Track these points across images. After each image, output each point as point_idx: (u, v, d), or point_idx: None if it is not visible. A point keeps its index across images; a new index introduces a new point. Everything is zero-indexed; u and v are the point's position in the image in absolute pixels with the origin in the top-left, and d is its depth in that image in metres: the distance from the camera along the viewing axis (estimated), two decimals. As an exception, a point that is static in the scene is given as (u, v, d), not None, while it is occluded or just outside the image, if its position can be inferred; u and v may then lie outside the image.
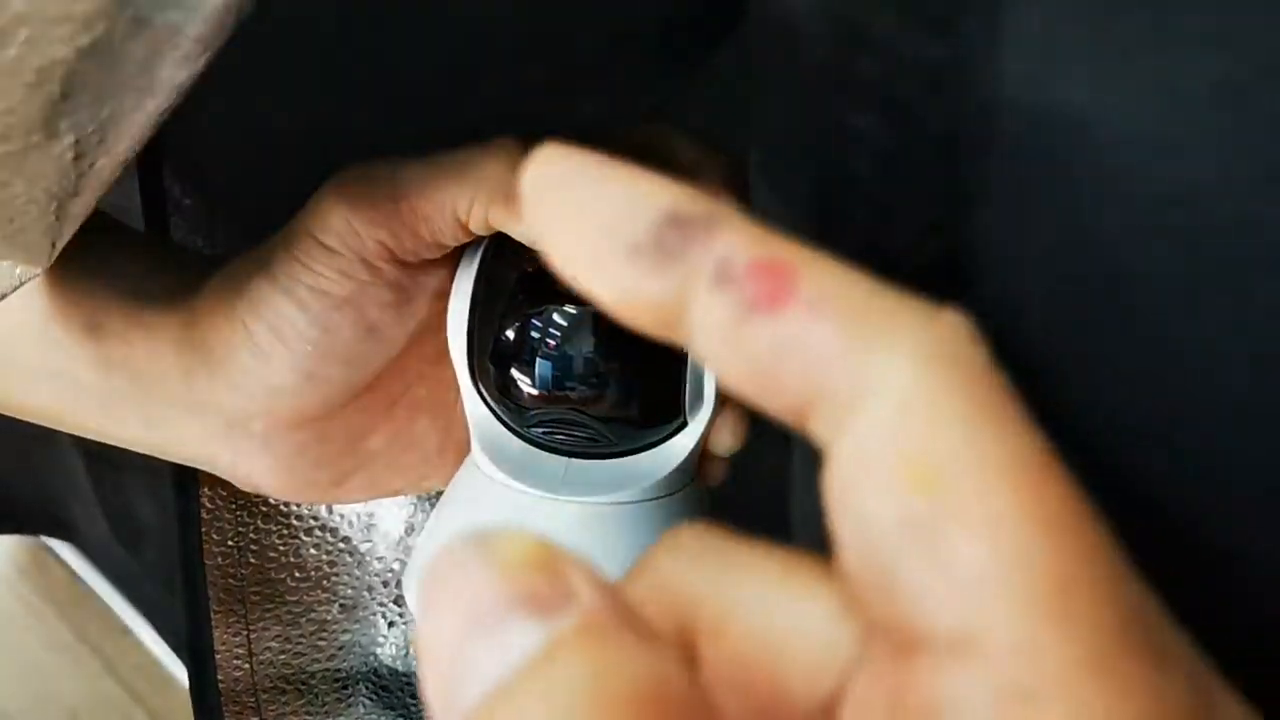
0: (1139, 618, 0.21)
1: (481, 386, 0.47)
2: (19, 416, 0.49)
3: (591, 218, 0.23)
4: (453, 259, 0.46)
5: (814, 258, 0.22)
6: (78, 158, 0.36)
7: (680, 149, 0.46)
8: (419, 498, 0.57)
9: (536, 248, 0.44)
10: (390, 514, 0.57)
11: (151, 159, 0.54)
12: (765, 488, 0.32)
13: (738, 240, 0.22)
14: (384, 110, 0.59)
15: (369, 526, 0.57)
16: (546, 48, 0.61)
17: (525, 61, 0.61)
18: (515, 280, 0.46)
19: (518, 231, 0.43)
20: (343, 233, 0.44)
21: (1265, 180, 0.21)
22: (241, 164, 0.59)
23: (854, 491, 0.21)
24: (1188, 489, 0.25)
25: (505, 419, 0.47)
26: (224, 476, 0.49)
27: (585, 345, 0.45)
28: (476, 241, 0.46)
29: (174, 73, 0.34)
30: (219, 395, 0.46)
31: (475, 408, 0.47)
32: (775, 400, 0.22)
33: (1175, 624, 0.22)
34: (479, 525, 0.47)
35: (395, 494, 0.52)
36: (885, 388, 0.21)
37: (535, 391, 0.45)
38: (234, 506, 0.56)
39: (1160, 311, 0.23)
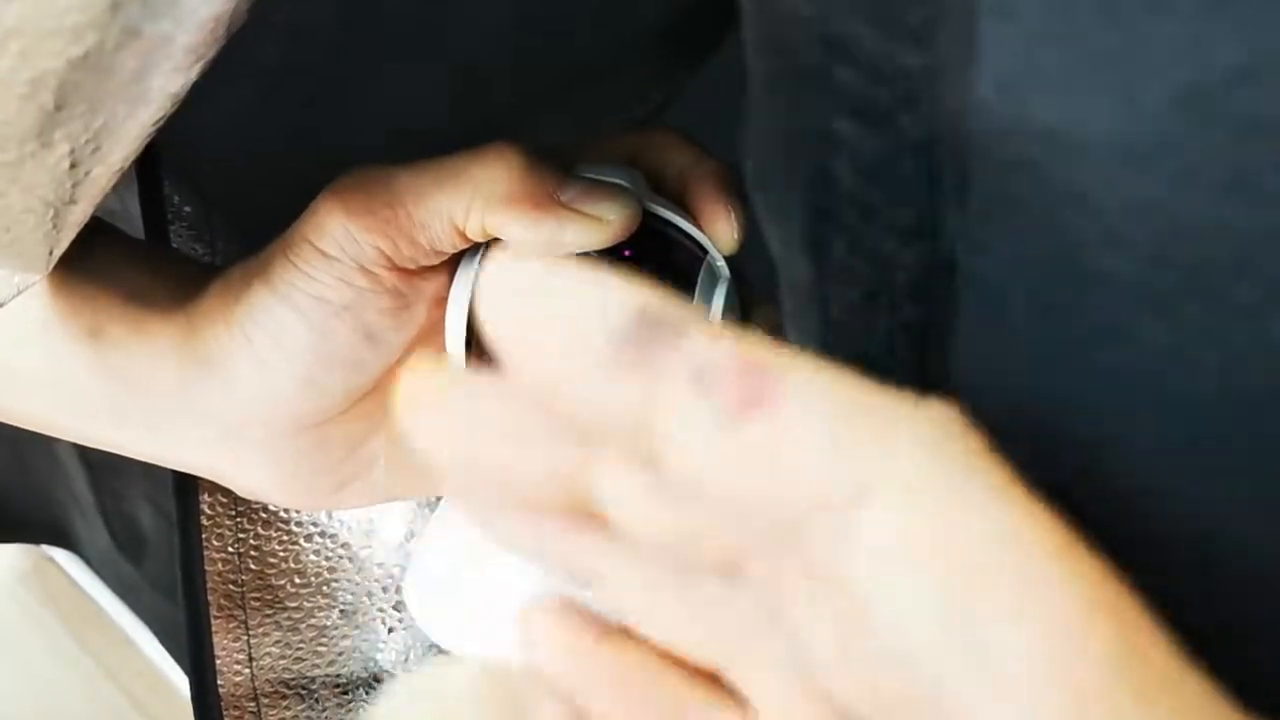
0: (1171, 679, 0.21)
1: None
2: (19, 424, 0.49)
3: (556, 323, 0.22)
4: (450, 265, 0.47)
5: (792, 358, 0.22)
6: (73, 166, 0.37)
7: (676, 152, 0.47)
8: (418, 503, 0.57)
9: (534, 252, 0.44)
10: (390, 519, 0.57)
11: (151, 167, 0.54)
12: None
13: (712, 342, 0.22)
14: (383, 117, 0.59)
15: (369, 532, 0.57)
16: (545, 53, 0.62)
17: (524, 66, 0.61)
18: None
19: (513, 237, 0.44)
20: (341, 240, 0.44)
21: (1231, 186, 0.21)
22: (241, 172, 0.59)
23: (879, 582, 0.21)
24: (1160, 484, 0.25)
25: None
26: (224, 483, 0.49)
27: None
28: (474, 247, 0.46)
29: (166, 82, 0.35)
30: (218, 401, 0.46)
31: None
32: (765, 510, 0.22)
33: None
34: (479, 531, 0.47)
35: (395, 499, 0.52)
36: (890, 480, 0.21)
37: None
38: (234, 513, 0.56)
39: (1131, 315, 0.23)
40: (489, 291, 0.23)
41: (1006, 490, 0.21)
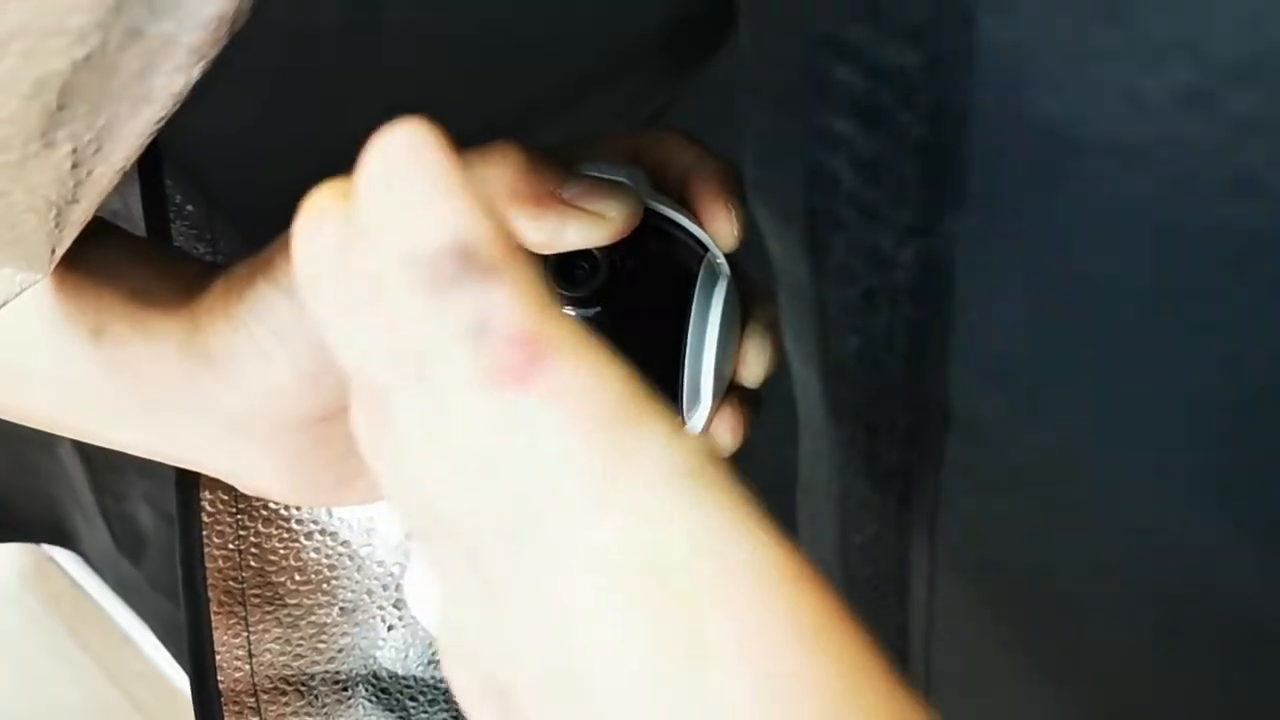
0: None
1: None
2: (22, 422, 0.49)
3: (399, 217, 0.22)
4: None
5: (578, 343, 0.21)
6: (75, 166, 0.37)
7: (678, 151, 0.47)
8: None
9: (534, 249, 0.44)
10: (390, 518, 0.58)
11: (153, 165, 0.54)
12: (766, 485, 0.33)
13: (511, 298, 0.21)
14: (386, 117, 0.59)
15: (369, 530, 0.58)
16: (547, 57, 0.62)
17: (526, 71, 0.61)
18: None
19: (519, 235, 0.44)
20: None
21: (1232, 184, 0.21)
22: (243, 172, 0.59)
23: (592, 604, 0.21)
24: (1159, 483, 0.25)
25: None
26: (227, 479, 0.49)
27: None
28: None
29: (169, 81, 0.35)
30: (222, 398, 0.46)
31: None
32: (501, 485, 0.21)
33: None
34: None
35: None
36: (624, 500, 0.21)
37: None
38: (234, 510, 0.56)
39: (1131, 315, 0.23)
40: (379, 150, 0.23)
41: (742, 522, 0.21)
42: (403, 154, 0.23)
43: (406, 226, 0.22)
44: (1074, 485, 0.27)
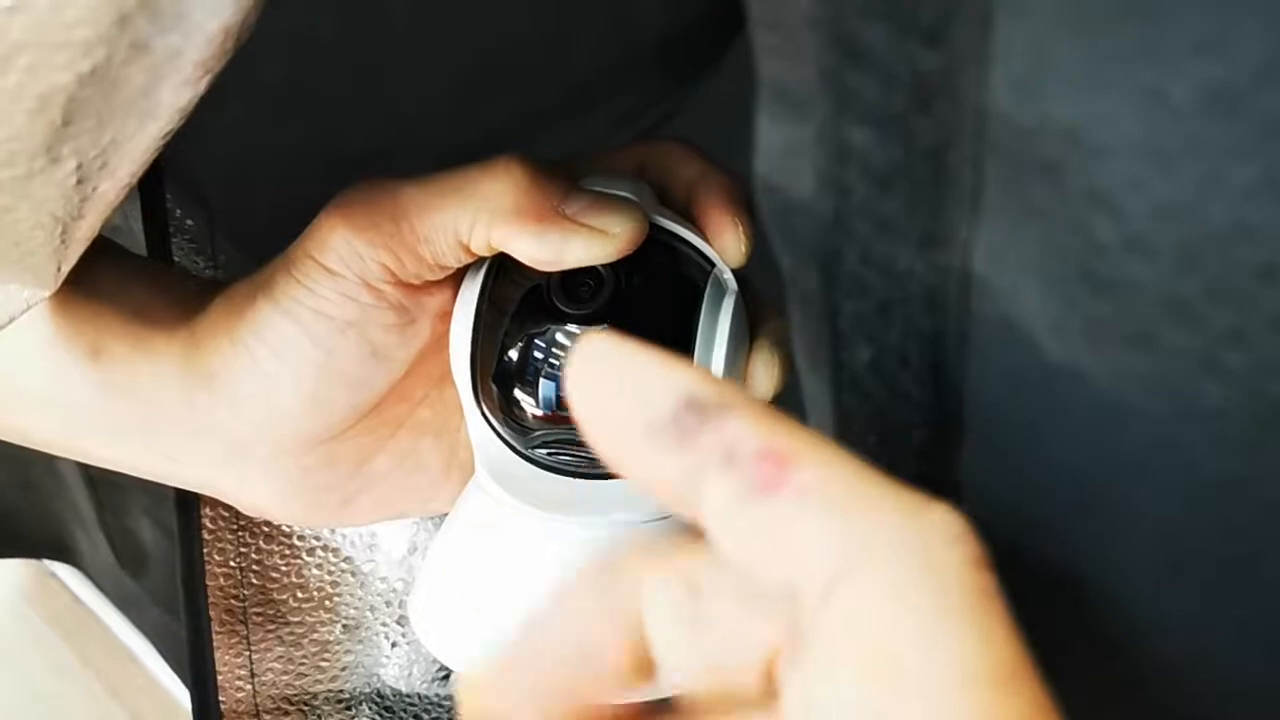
0: None
1: (485, 407, 0.46)
2: (23, 443, 0.49)
3: (620, 400, 0.26)
4: (455, 280, 0.47)
5: (814, 447, 0.25)
6: (81, 182, 0.37)
7: (684, 164, 0.46)
8: (421, 517, 0.57)
9: (539, 267, 0.44)
10: (392, 534, 0.57)
11: (153, 179, 0.54)
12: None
13: (746, 426, 0.25)
14: (388, 131, 0.59)
15: (371, 546, 0.57)
16: (548, 67, 0.62)
17: (528, 81, 0.61)
18: (518, 300, 0.46)
19: (519, 251, 0.44)
20: (344, 255, 0.44)
21: (1261, 186, 0.21)
22: (244, 186, 0.59)
23: (819, 672, 0.24)
24: (1186, 492, 0.25)
25: (509, 440, 0.46)
26: (227, 501, 0.49)
27: None
28: (479, 262, 0.46)
29: (174, 96, 0.35)
30: (223, 419, 0.46)
31: (479, 429, 0.47)
32: (770, 580, 0.25)
33: None
34: (484, 548, 0.47)
35: (400, 516, 0.52)
36: (860, 580, 0.23)
37: (539, 412, 0.45)
38: (235, 527, 0.56)
39: (1156, 323, 0.23)
40: (578, 357, 0.27)
41: (968, 616, 0.23)
42: (599, 357, 0.27)
43: (636, 405, 0.26)
44: (1097, 496, 0.26)
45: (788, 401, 0.43)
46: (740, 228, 0.45)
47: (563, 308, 0.45)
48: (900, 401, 0.29)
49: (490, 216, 0.43)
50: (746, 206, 0.46)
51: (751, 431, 0.25)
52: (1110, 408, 0.25)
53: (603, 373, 0.27)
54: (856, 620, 0.23)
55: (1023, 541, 0.28)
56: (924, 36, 0.23)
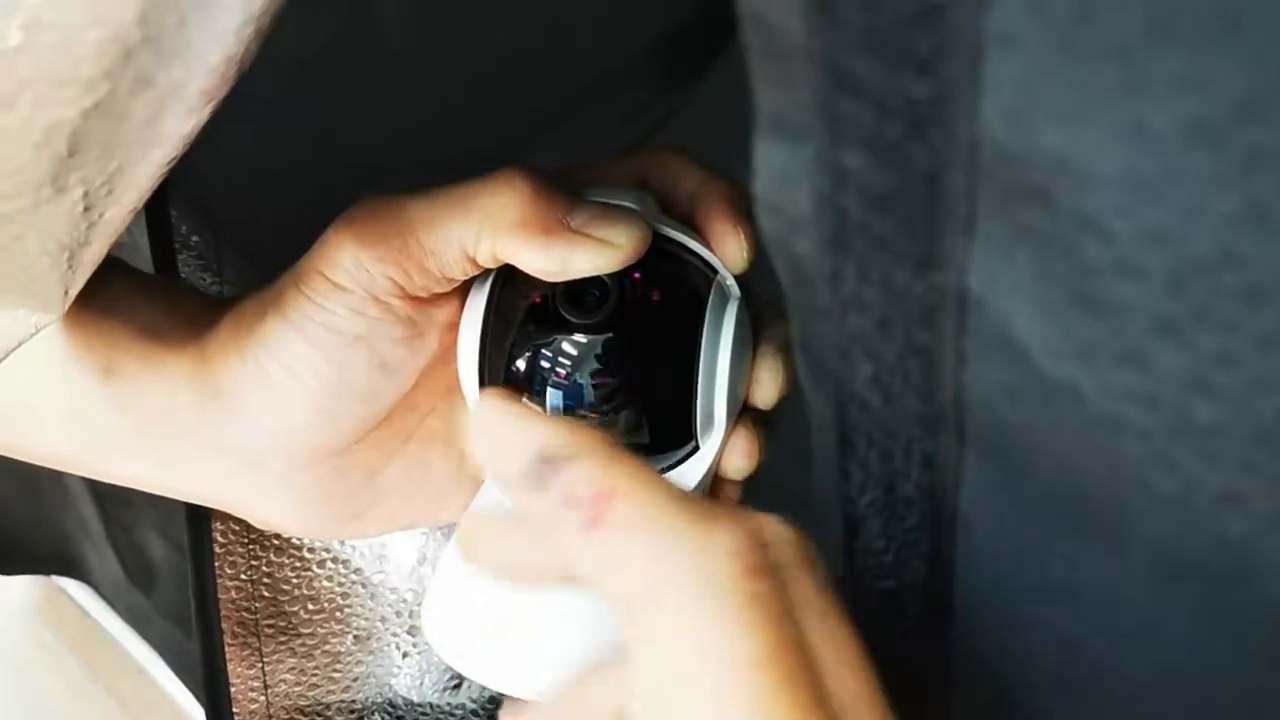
0: None
1: None
2: (36, 461, 0.50)
3: (502, 453, 0.34)
4: (462, 292, 0.47)
5: (638, 484, 0.31)
6: (87, 209, 0.37)
7: (685, 173, 0.46)
8: (431, 527, 0.58)
9: (544, 278, 0.44)
10: (402, 544, 0.58)
11: (159, 198, 0.54)
12: (781, 508, 0.33)
13: (582, 473, 0.32)
14: (389, 141, 0.60)
15: (381, 557, 0.58)
16: (546, 74, 0.62)
17: (530, 82, 0.61)
18: (525, 311, 0.46)
19: (524, 263, 0.44)
20: (352, 270, 0.44)
21: (1245, 216, 0.21)
22: (248, 201, 0.60)
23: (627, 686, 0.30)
24: (1182, 502, 0.25)
25: None
26: (239, 515, 0.49)
27: (594, 373, 0.45)
28: (484, 274, 0.46)
29: (179, 125, 0.35)
30: (234, 434, 0.46)
31: None
32: (606, 593, 0.31)
33: None
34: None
35: (411, 527, 0.52)
36: (659, 598, 0.30)
37: None
38: (246, 540, 0.56)
39: (1147, 343, 0.24)
40: (474, 420, 0.35)
41: (739, 610, 0.29)
42: (491, 413, 0.35)
43: (507, 458, 0.34)
44: (1094, 509, 0.27)
45: (791, 416, 0.43)
46: (742, 234, 0.45)
47: (569, 318, 0.46)
48: (901, 415, 0.30)
49: (495, 229, 0.43)
50: (748, 213, 0.46)
51: (586, 477, 0.32)
52: (1106, 424, 0.25)
53: (494, 428, 0.34)
54: (653, 634, 0.30)
55: (1024, 550, 0.29)
56: (917, 67, 0.24)
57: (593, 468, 0.32)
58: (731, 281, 0.46)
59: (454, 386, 0.48)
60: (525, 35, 0.61)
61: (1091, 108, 0.22)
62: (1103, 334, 0.24)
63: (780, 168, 0.28)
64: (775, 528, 0.31)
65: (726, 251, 0.45)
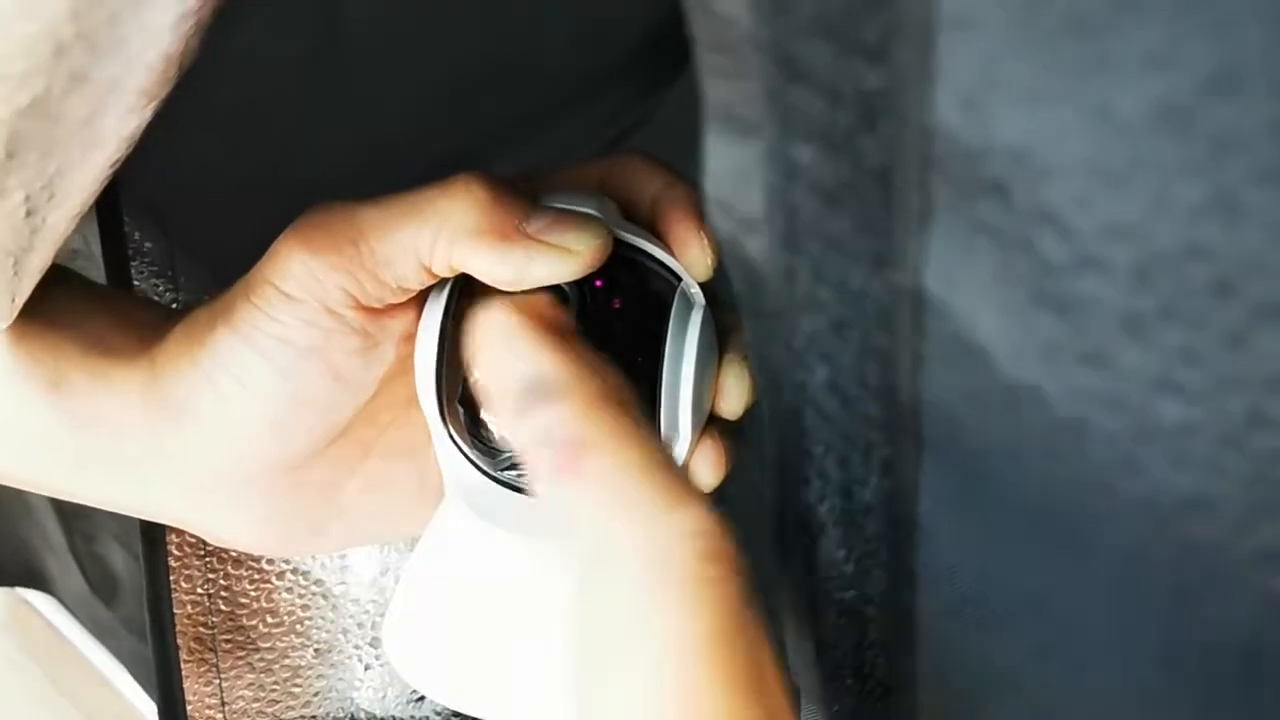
0: None
1: (452, 430, 0.46)
2: None
3: (500, 368, 0.34)
4: (419, 302, 0.46)
5: (616, 442, 0.32)
6: (30, 214, 0.36)
7: (646, 178, 0.45)
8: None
9: (502, 287, 0.44)
10: (364, 556, 0.57)
11: (111, 203, 0.53)
12: (748, 518, 0.32)
13: (565, 414, 0.32)
14: (351, 149, 0.59)
15: (343, 569, 0.57)
16: (518, 81, 0.61)
17: (495, 95, 0.61)
18: None
19: (481, 271, 0.43)
20: (304, 280, 0.43)
21: (1211, 205, 0.21)
22: (204, 205, 0.59)
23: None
24: (1146, 508, 0.25)
25: (478, 462, 0.46)
26: (194, 532, 0.48)
27: None
28: (441, 282, 0.45)
29: (120, 124, 0.34)
30: (188, 448, 0.45)
31: (447, 451, 0.46)
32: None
33: None
34: (456, 570, 0.47)
35: (372, 541, 0.51)
36: (604, 569, 0.31)
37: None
38: (203, 553, 0.55)
39: (1111, 341, 0.23)
40: (477, 329, 0.35)
41: (687, 592, 0.29)
42: (495, 328, 0.35)
43: (502, 375, 0.34)
44: (1059, 515, 0.26)
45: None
46: (706, 240, 0.44)
47: None
48: (859, 421, 0.29)
49: (451, 236, 0.42)
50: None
51: (566, 419, 0.32)
52: (1070, 427, 0.24)
53: (496, 341, 0.35)
54: (590, 597, 0.31)
55: (987, 558, 0.28)
56: (867, 55, 0.23)
57: (575, 412, 0.32)
58: (696, 289, 0.45)
59: (414, 399, 0.47)
60: (497, 43, 0.60)
61: (1052, 91, 0.21)
62: (1065, 333, 0.23)
63: (731, 165, 0.27)
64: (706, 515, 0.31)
65: (690, 257, 0.44)
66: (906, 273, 0.25)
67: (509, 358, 0.34)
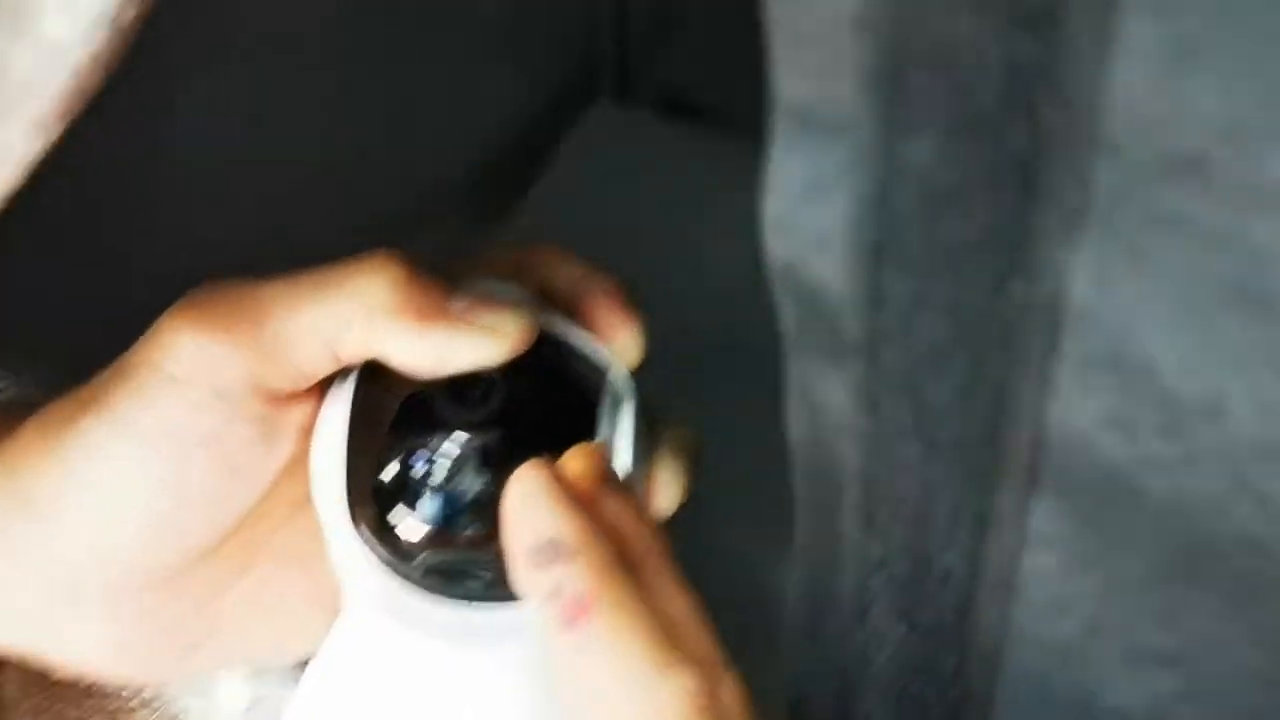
0: None
1: (360, 530, 0.41)
2: None
3: (519, 525, 0.36)
4: (320, 390, 0.42)
5: (620, 606, 0.33)
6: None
7: (561, 267, 0.43)
8: (272, 663, 0.51)
9: (420, 373, 0.40)
10: (232, 685, 0.51)
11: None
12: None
13: (577, 571, 0.34)
14: (180, 258, 0.55)
15: (206, 699, 0.51)
16: (384, 177, 0.60)
17: (364, 189, 0.59)
18: (397, 408, 0.42)
19: (400, 354, 0.40)
20: (195, 362, 0.39)
21: None
22: (49, 296, 0.54)
23: None
24: None
25: (390, 565, 0.41)
26: (41, 661, 0.43)
27: (479, 477, 0.41)
28: (344, 370, 0.41)
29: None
30: (45, 553, 0.40)
31: (354, 555, 0.41)
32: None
33: None
34: (364, 684, 0.42)
35: (248, 663, 0.47)
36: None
37: (422, 531, 0.41)
38: (45, 685, 0.49)
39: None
40: (516, 486, 0.37)
41: None
42: (523, 490, 0.36)
43: (524, 532, 0.36)
44: (1222, 548, 0.23)
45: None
46: (634, 327, 0.42)
47: (449, 415, 0.41)
48: (951, 467, 0.25)
49: (368, 316, 0.39)
50: (629, 303, 0.43)
51: (578, 576, 0.34)
52: (1258, 449, 0.21)
53: (523, 502, 0.36)
54: None
55: (1102, 617, 0.25)
56: (1026, 23, 0.20)
57: (589, 570, 0.34)
58: (625, 379, 0.43)
59: (305, 499, 0.43)
60: (356, 141, 0.59)
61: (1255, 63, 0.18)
62: (1263, 337, 0.20)
63: (802, 176, 0.24)
64: (730, 677, 0.33)
65: (621, 345, 0.43)
66: (1044, 282, 0.22)
67: (532, 518, 0.36)
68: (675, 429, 0.43)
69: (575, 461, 0.38)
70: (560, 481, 0.37)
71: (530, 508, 0.36)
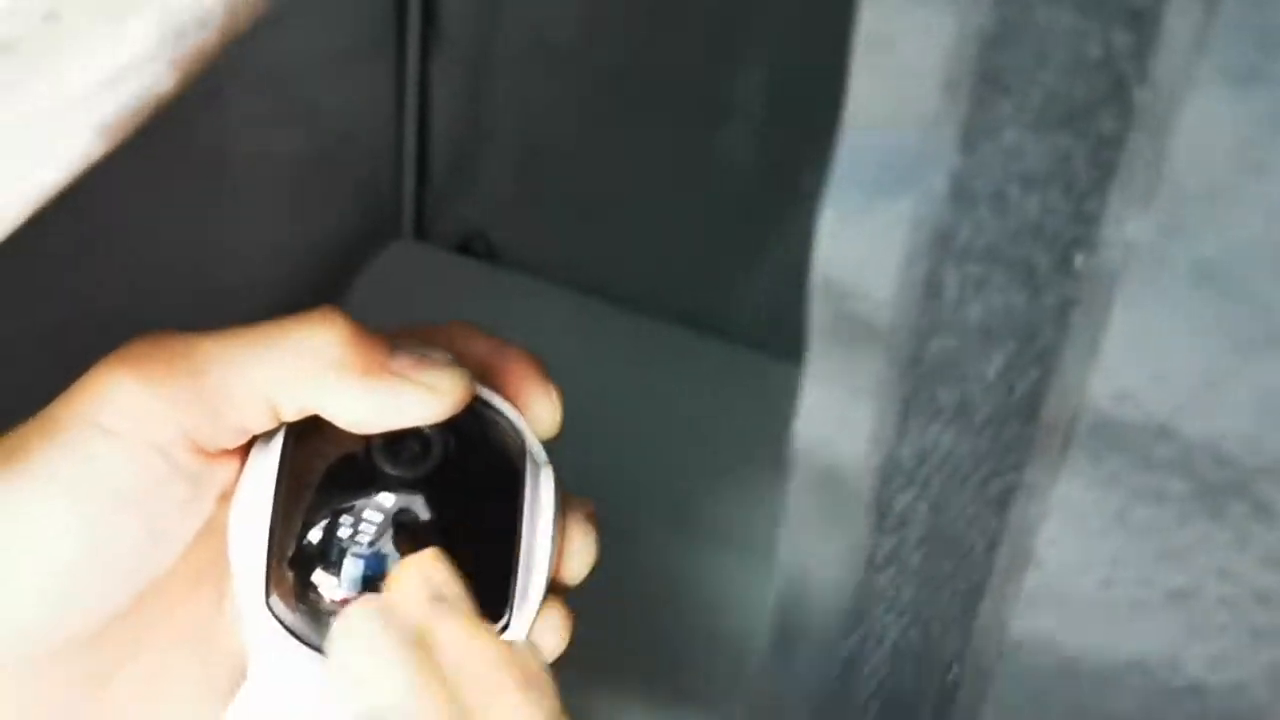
0: None
1: (272, 602, 0.40)
2: None
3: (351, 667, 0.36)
4: (243, 450, 0.41)
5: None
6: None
7: (475, 341, 0.44)
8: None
9: (360, 428, 0.40)
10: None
11: None
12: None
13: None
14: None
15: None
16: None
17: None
18: (322, 470, 0.41)
19: (342, 409, 0.40)
20: (130, 413, 0.38)
21: None
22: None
23: None
24: None
25: (302, 635, 0.41)
26: None
27: (403, 539, 0.41)
28: (268, 432, 0.41)
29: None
30: None
31: (267, 626, 0.40)
32: None
33: None
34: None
35: None
36: None
37: (341, 596, 0.40)
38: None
39: None
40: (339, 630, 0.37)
41: None
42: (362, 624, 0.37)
43: (353, 678, 0.36)
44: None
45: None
46: (552, 396, 0.44)
47: (381, 475, 0.41)
48: (987, 444, 0.27)
49: (312, 371, 0.39)
50: (540, 375, 0.44)
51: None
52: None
53: (360, 641, 0.36)
54: None
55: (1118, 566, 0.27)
56: (1126, 14, 0.22)
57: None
58: (540, 448, 0.44)
59: (207, 570, 0.41)
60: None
61: None
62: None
63: (866, 175, 0.25)
64: None
65: (538, 414, 0.44)
66: (1109, 255, 0.24)
67: (365, 663, 0.35)
68: (582, 500, 0.45)
69: (410, 585, 0.38)
70: (394, 621, 0.35)
71: (360, 656, 0.36)
